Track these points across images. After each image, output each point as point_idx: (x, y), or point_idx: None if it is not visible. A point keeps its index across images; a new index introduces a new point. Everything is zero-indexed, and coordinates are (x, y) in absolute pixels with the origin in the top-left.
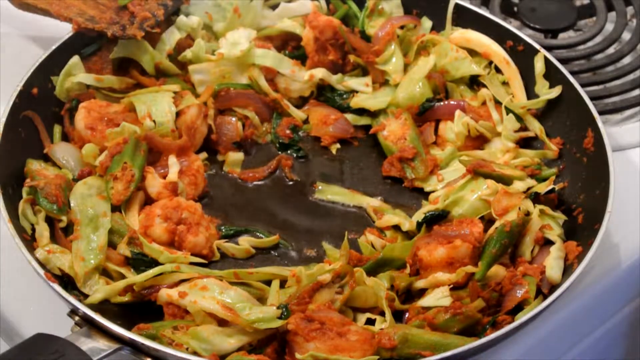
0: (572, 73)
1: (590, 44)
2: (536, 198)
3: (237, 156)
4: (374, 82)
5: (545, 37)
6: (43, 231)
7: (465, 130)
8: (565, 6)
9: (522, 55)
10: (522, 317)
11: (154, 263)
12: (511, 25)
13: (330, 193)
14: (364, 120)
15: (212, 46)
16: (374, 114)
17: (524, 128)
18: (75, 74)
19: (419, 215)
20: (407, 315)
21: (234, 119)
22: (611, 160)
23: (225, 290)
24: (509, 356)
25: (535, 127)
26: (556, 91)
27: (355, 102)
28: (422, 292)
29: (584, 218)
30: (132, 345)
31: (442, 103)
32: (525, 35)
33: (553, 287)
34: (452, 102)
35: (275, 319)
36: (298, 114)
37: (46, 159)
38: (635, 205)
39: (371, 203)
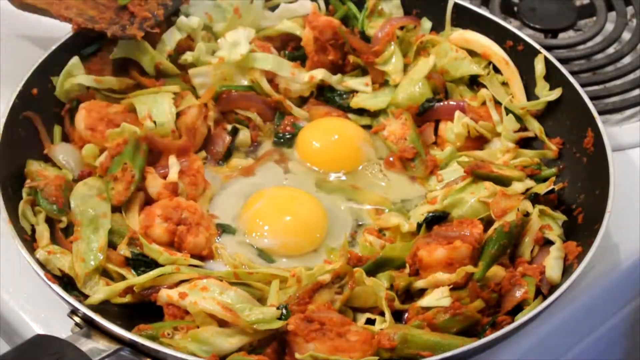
0: (572, 73)
1: (590, 44)
2: (536, 198)
3: (240, 162)
4: (373, 83)
5: (545, 37)
6: (43, 232)
7: (465, 131)
8: (565, 6)
9: (522, 55)
10: (521, 318)
11: (154, 264)
12: (511, 25)
13: (330, 191)
14: (364, 120)
15: (212, 46)
16: (374, 114)
17: (524, 128)
18: (75, 74)
19: (417, 216)
20: (406, 316)
21: (226, 137)
22: (611, 160)
23: (225, 291)
24: (509, 356)
25: (535, 127)
26: (556, 93)
27: (355, 102)
28: (421, 292)
29: (584, 218)
30: (132, 346)
31: (442, 103)
32: (525, 35)
33: (553, 288)
34: (451, 103)
35: (275, 319)
36: (301, 114)
37: (46, 159)
38: (635, 205)
39: (371, 202)
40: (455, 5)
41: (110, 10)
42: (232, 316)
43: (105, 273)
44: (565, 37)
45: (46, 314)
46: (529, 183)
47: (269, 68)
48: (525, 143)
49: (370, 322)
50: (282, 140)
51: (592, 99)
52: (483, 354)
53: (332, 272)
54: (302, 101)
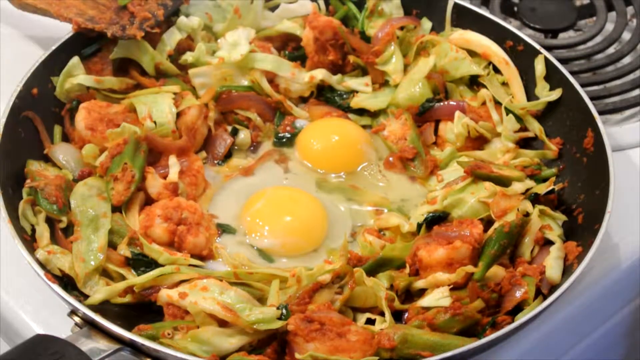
0: (572, 73)
1: (590, 44)
2: (536, 198)
3: (240, 162)
4: (373, 83)
5: (545, 37)
6: (43, 232)
7: (465, 131)
8: (565, 6)
9: (522, 55)
10: (521, 318)
11: (154, 263)
12: (511, 25)
13: (330, 191)
14: (364, 121)
15: (212, 46)
16: (374, 114)
17: (524, 128)
18: (76, 74)
19: (417, 216)
20: (406, 315)
21: (227, 138)
22: (611, 160)
23: (225, 291)
24: (509, 356)
25: (535, 128)
26: (556, 93)
27: (356, 102)
28: (421, 292)
29: (584, 218)
30: (132, 345)
31: (442, 103)
32: (525, 35)
33: (553, 288)
34: (452, 103)
35: (275, 319)
36: (301, 114)
37: (46, 159)
38: (635, 205)
39: (371, 202)
40: (455, 5)
41: (110, 10)
42: (232, 316)
43: (105, 273)
44: (565, 37)
45: (46, 314)
46: (529, 183)
47: (269, 68)
48: (525, 143)
49: (370, 322)
50: (282, 140)
51: (592, 99)
52: (483, 354)
53: (332, 272)
54: (302, 101)
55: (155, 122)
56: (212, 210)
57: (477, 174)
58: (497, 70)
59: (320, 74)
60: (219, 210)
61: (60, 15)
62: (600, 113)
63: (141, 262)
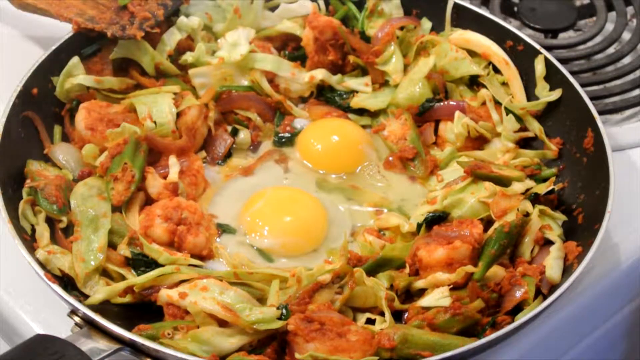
0: (572, 73)
1: (590, 44)
2: (536, 198)
3: (240, 162)
4: (373, 83)
5: (545, 37)
6: (43, 232)
7: (465, 131)
8: (565, 6)
9: (522, 56)
10: (521, 318)
11: (154, 263)
12: (511, 25)
13: (330, 191)
14: (364, 120)
15: (212, 47)
16: (374, 114)
17: (524, 128)
18: (75, 74)
19: (417, 216)
20: (406, 315)
21: (227, 138)
22: (611, 160)
23: (225, 291)
24: (509, 356)
25: (535, 128)
26: (556, 94)
27: (356, 102)
28: (421, 292)
29: (584, 218)
30: (132, 345)
31: (442, 103)
32: (525, 35)
33: (553, 288)
34: (451, 103)
35: (275, 319)
36: (302, 114)
37: (46, 159)
38: (635, 205)
39: (371, 202)
40: (455, 5)
41: (110, 10)
42: (232, 316)
43: (105, 273)
44: (565, 37)
45: (46, 314)
46: (529, 183)
47: (269, 68)
48: (525, 143)
49: (370, 322)
50: (282, 140)
51: (592, 99)
52: (483, 354)
53: (332, 272)
54: (302, 101)
55: (155, 122)
56: (212, 210)
57: (477, 174)
58: (497, 70)
59: (320, 74)
60: (219, 210)
61: (60, 15)
62: (600, 113)
63: (141, 262)
